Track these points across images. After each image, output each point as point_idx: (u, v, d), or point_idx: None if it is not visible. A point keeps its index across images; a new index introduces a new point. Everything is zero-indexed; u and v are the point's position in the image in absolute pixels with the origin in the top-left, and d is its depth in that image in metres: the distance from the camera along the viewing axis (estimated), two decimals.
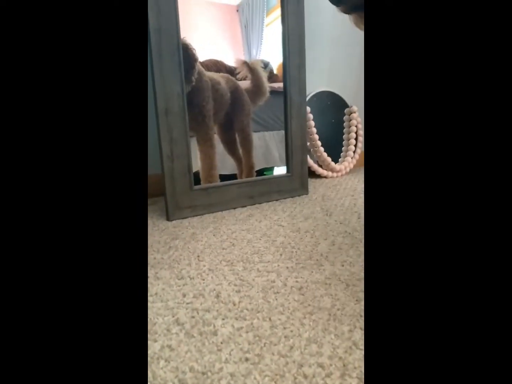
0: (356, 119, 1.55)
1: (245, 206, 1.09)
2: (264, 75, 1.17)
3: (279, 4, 1.16)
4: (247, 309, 0.56)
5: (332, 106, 1.53)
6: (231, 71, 1.13)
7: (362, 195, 1.20)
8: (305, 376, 0.43)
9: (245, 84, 1.15)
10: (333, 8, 1.42)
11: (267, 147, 1.25)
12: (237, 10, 1.17)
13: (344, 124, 1.56)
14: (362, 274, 0.66)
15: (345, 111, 1.55)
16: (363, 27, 0.66)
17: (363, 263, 0.71)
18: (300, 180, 1.20)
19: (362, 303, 0.57)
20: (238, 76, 1.13)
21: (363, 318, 0.53)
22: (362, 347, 0.47)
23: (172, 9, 0.92)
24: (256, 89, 1.16)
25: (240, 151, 1.15)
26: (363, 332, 0.50)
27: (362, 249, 0.77)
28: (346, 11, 0.58)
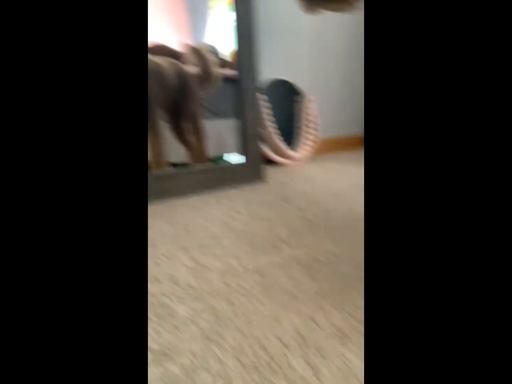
0: (311, 107, 1.57)
1: (201, 194, 1.06)
2: (212, 60, 1.14)
3: None
4: (206, 292, 0.55)
5: (287, 94, 1.54)
6: (176, 55, 1.10)
7: (319, 182, 1.22)
8: (264, 348, 0.43)
9: (193, 69, 1.12)
10: None
11: (221, 135, 1.23)
12: None
13: (299, 112, 1.58)
14: (320, 256, 0.67)
15: (299, 99, 1.57)
16: (312, 12, 0.67)
17: (320, 246, 0.72)
18: (256, 167, 1.19)
19: (320, 283, 0.58)
20: (185, 61, 1.10)
21: (319, 295, 0.54)
22: (320, 322, 0.48)
23: None
24: (204, 74, 1.13)
25: (192, 139, 1.12)
26: (320, 309, 0.51)
27: (320, 233, 0.78)
28: None
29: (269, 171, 1.34)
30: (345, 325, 0.47)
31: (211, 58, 1.14)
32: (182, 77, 1.09)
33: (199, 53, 1.12)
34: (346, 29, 1.68)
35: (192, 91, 1.12)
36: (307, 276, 0.60)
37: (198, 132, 1.14)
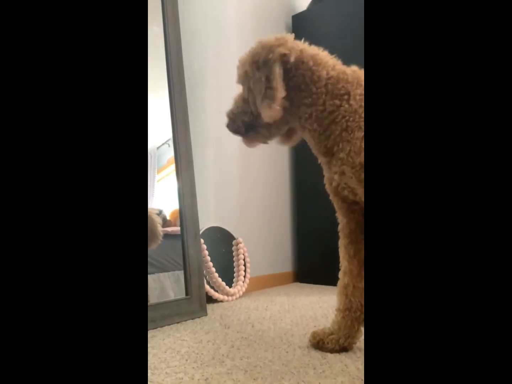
0: (243, 249, 1.80)
1: (148, 330, 1.13)
2: (158, 222, 1.36)
3: (169, 162, 1.47)
4: None
5: (221, 239, 1.77)
6: None
7: (255, 311, 1.35)
8: None
9: None
10: (215, 164, 1.80)
11: (162, 288, 1.36)
12: None
13: (233, 253, 1.79)
14: (257, 362, 0.78)
15: (233, 242, 1.81)
16: (251, 146, 0.88)
17: (257, 355, 0.83)
18: (198, 302, 1.31)
19: (260, 381, 0.68)
20: None
21: None
22: None
23: None
24: (151, 234, 1.33)
25: None
26: None
27: (258, 347, 0.89)
28: (233, 133, 0.84)
29: (212, 307, 1.44)
30: None
31: (158, 220, 1.36)
32: None
33: (149, 217, 1.34)
34: (268, 178, 2.09)
35: None
36: (247, 378, 0.70)
37: None
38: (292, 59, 0.74)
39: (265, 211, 2.07)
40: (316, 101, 0.75)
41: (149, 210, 1.38)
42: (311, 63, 0.75)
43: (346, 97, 0.73)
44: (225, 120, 0.86)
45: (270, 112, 0.74)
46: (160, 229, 1.34)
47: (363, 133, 0.69)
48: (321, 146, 0.78)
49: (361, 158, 0.69)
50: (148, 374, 0.74)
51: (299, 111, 0.78)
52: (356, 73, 0.76)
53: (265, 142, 0.87)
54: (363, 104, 0.71)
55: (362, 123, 0.70)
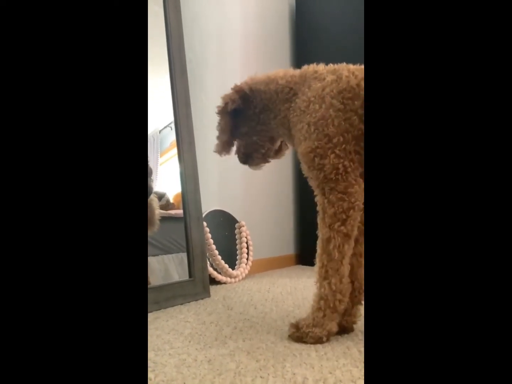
0: (245, 232, 1.81)
1: (152, 311, 1.14)
2: (157, 209, 1.36)
3: (171, 145, 1.46)
4: (162, 381, 0.63)
5: (224, 222, 1.78)
6: None
7: (257, 293, 1.37)
8: None
9: None
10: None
11: (167, 270, 1.37)
12: None
13: (236, 236, 1.80)
14: (259, 344, 0.79)
15: (235, 225, 1.81)
16: (256, 169, 1.04)
17: (259, 337, 0.84)
18: (202, 284, 1.32)
19: (263, 362, 0.69)
20: None
21: (261, 370, 0.65)
22: None
23: None
24: (148, 220, 1.33)
25: None
26: (261, 378, 0.62)
27: (260, 328, 0.90)
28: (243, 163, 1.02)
29: (215, 289, 1.46)
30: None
31: (156, 207, 1.36)
32: None
33: (148, 204, 1.34)
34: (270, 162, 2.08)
35: None
36: (251, 358, 0.71)
37: None
38: (247, 92, 0.89)
39: (267, 194, 2.06)
40: (276, 112, 0.88)
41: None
42: (262, 86, 0.89)
43: (294, 98, 0.84)
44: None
45: (218, 149, 0.98)
46: (158, 215, 1.35)
47: (300, 126, 0.80)
48: (294, 146, 0.89)
49: (300, 148, 0.81)
50: (152, 355, 0.75)
51: (271, 125, 0.91)
52: (304, 71, 0.86)
53: (267, 162, 1.04)
54: (306, 96, 0.80)
55: (302, 116, 0.80)
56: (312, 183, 0.82)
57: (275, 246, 2.07)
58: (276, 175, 2.12)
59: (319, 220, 0.81)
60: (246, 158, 1.01)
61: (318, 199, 0.81)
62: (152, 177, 1.45)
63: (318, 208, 0.81)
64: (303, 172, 0.85)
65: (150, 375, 0.65)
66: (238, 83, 0.94)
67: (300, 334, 0.79)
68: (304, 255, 2.11)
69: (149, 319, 1.05)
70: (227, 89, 0.96)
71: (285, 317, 1.01)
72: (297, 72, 0.87)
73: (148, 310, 1.14)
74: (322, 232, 0.79)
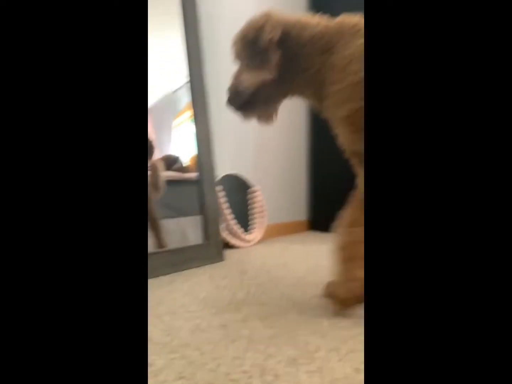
0: (259, 197, 1.80)
1: (168, 274, 1.17)
2: (162, 175, 1.35)
3: (186, 107, 1.42)
4: (178, 346, 0.64)
5: (238, 187, 1.77)
6: None
7: (270, 258, 1.38)
8: (233, 380, 0.53)
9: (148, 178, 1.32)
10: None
11: (183, 232, 1.39)
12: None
13: (249, 201, 1.80)
14: (273, 310, 0.80)
15: (249, 190, 1.80)
16: (247, 119, 0.90)
17: (273, 302, 0.85)
18: (216, 247, 1.34)
19: (275, 329, 0.70)
20: None
21: (274, 338, 0.66)
22: (277, 357, 0.59)
23: None
24: (152, 185, 1.33)
25: (152, 233, 1.26)
26: (275, 346, 0.63)
27: (273, 294, 0.92)
28: (235, 109, 0.85)
29: (229, 253, 1.48)
30: (296, 354, 0.59)
31: (161, 173, 1.35)
32: None
33: (153, 169, 1.33)
34: (285, 126, 2.03)
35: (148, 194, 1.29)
36: (264, 325, 0.72)
37: (155, 227, 1.29)
38: (276, 37, 0.75)
39: (281, 160, 2.03)
40: (308, 64, 0.76)
41: (155, 161, 1.37)
42: (294, 31, 0.76)
43: (330, 52, 0.74)
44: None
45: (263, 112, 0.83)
46: (163, 180, 1.34)
47: (340, 86, 0.71)
48: (321, 106, 0.79)
49: (341, 111, 0.71)
50: (168, 319, 0.77)
51: (298, 78, 0.79)
52: (340, 23, 0.75)
53: (264, 120, 0.88)
54: (345, 53, 0.71)
55: (342, 75, 0.71)
56: (352, 153, 0.75)
57: (288, 211, 2.07)
58: (291, 140, 2.07)
59: (353, 199, 0.77)
60: (246, 104, 0.83)
61: (360, 172, 0.76)
62: (152, 140, 1.41)
63: (359, 183, 0.76)
64: (340, 140, 0.76)
65: (166, 339, 0.67)
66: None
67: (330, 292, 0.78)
68: (317, 221, 2.10)
69: (165, 281, 1.08)
70: None
71: (297, 283, 1.02)
72: (332, 22, 0.76)
73: (165, 272, 1.16)
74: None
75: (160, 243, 1.26)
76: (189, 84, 1.37)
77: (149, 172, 1.30)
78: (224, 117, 1.69)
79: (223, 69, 1.63)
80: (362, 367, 0.55)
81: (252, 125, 1.90)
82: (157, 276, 1.14)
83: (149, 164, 1.32)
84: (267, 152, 1.94)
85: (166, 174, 1.37)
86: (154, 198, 1.31)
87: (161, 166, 1.37)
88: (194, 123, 1.37)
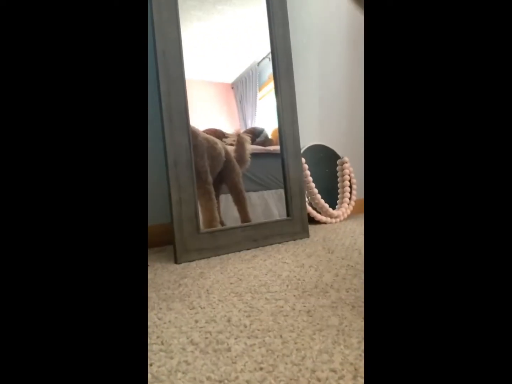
0: (348, 169, 1.65)
1: (250, 249, 1.13)
2: (248, 148, 1.28)
3: (270, 78, 1.32)
4: (258, 330, 0.58)
5: (324, 158, 1.64)
6: (226, 138, 1.26)
7: (361, 236, 1.25)
8: (319, 379, 0.45)
9: (232, 150, 1.28)
10: (319, 74, 1.59)
11: (267, 205, 1.32)
12: (232, 88, 1.33)
13: (338, 174, 1.66)
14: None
15: (337, 161, 1.66)
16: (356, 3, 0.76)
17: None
18: (300, 223, 1.25)
19: None
20: (226, 142, 1.26)
21: None
22: None
23: (181, 89, 1.05)
24: (239, 158, 1.27)
25: (236, 208, 1.22)
26: None
27: (363, 278, 0.80)
28: None
29: (314, 228, 1.38)
30: None
31: (248, 146, 1.29)
32: (228, 154, 1.24)
33: (239, 141, 1.27)
34: None
35: (234, 165, 1.25)
36: (354, 315, 0.62)
37: (240, 200, 1.25)
38: None
39: None
40: None
41: (242, 135, 1.31)
42: None
43: None
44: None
45: None
46: (249, 153, 1.28)
47: None
48: None
49: None
50: (248, 298, 0.72)
51: None
52: None
53: None
54: None
55: None
56: None
57: None
58: None
59: None
60: None
61: None
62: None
63: None
64: None
65: (246, 321, 0.62)
66: None
67: None
68: None
69: (246, 257, 1.03)
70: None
71: None
72: None
73: (247, 247, 1.12)
74: None
75: (244, 217, 1.23)
76: (271, 52, 1.27)
77: (235, 146, 1.27)
78: (310, 83, 1.56)
79: (309, 32, 1.49)
80: None
81: (341, 90, 1.72)
82: (239, 250, 1.11)
83: (235, 138, 1.28)
84: (358, 119, 1.76)
85: (252, 147, 1.32)
86: (241, 171, 1.28)
87: (247, 139, 1.33)
88: (275, 92, 1.28)
